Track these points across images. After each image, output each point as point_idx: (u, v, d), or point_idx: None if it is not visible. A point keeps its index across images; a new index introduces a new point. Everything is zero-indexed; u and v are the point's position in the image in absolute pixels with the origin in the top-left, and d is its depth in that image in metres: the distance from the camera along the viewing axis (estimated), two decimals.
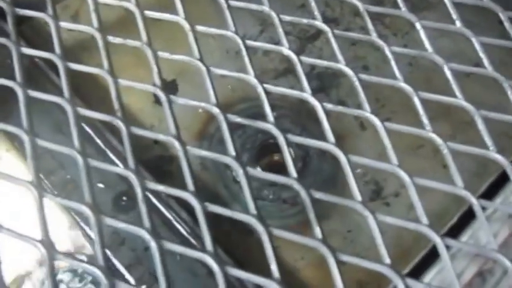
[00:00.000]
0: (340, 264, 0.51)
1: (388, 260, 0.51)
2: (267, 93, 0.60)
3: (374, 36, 0.64)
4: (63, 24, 0.65)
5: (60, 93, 0.61)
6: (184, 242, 0.71)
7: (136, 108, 0.85)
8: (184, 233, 0.73)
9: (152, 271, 0.73)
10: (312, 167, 0.82)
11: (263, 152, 0.84)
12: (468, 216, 0.62)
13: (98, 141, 0.76)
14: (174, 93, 0.86)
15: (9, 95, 0.66)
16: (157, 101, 0.85)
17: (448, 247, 0.51)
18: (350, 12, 0.91)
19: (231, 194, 0.78)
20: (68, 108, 0.59)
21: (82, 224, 0.77)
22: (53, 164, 0.75)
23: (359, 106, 0.59)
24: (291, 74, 0.87)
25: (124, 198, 0.79)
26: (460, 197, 0.54)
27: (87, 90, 0.74)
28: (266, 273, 0.51)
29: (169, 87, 0.86)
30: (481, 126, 0.57)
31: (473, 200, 0.54)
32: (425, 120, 0.58)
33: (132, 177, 0.55)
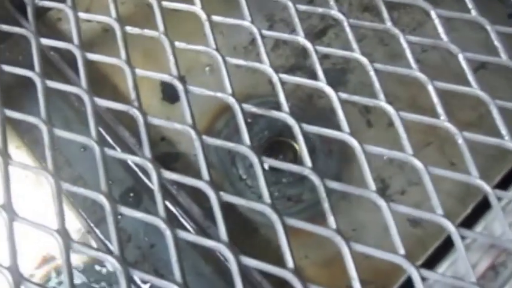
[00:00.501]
0: (354, 254, 0.51)
1: (402, 251, 0.51)
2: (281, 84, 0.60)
3: (389, 25, 0.63)
4: (82, 15, 0.66)
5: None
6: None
7: (144, 105, 0.86)
8: (191, 229, 0.74)
9: (157, 268, 0.74)
10: (319, 165, 0.82)
11: (268, 151, 0.84)
12: (482, 208, 0.62)
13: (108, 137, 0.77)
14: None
15: (23, 89, 0.67)
16: (164, 97, 0.86)
17: (463, 237, 0.51)
18: (359, 8, 0.91)
19: (236, 192, 0.79)
20: (86, 98, 0.60)
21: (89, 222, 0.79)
22: (61, 159, 0.76)
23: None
24: (299, 70, 0.87)
25: (131, 194, 0.80)
26: (475, 187, 0.54)
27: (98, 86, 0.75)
28: None
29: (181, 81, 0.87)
30: (496, 115, 0.56)
31: (489, 190, 0.53)
32: (440, 109, 0.58)
33: (149, 166, 0.56)
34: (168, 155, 0.82)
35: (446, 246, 0.67)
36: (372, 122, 0.83)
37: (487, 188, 0.53)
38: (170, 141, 0.82)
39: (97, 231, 0.78)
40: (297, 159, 0.81)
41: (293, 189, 0.80)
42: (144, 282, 0.73)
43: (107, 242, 0.76)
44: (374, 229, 0.75)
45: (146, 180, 0.78)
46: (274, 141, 0.84)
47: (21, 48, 0.85)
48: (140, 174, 0.79)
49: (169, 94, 0.85)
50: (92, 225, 0.78)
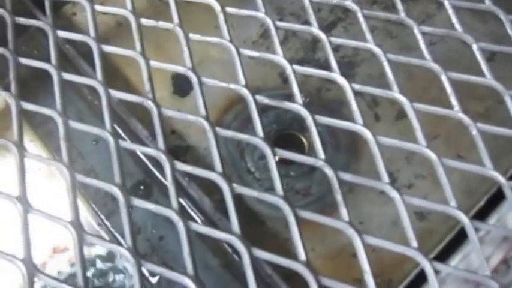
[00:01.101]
0: (366, 247, 0.51)
1: (415, 243, 0.51)
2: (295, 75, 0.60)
3: (403, 16, 0.63)
4: (98, 7, 0.66)
5: None
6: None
7: None
8: (200, 222, 0.74)
9: (166, 261, 0.74)
10: (327, 158, 0.81)
11: (276, 145, 0.83)
12: (493, 200, 0.62)
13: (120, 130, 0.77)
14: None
15: (38, 82, 0.67)
16: (176, 91, 0.86)
17: (476, 230, 0.51)
18: (367, 0, 0.91)
19: (244, 185, 0.79)
20: (101, 90, 0.60)
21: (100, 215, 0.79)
22: (74, 152, 0.77)
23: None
24: (307, 63, 0.87)
25: (141, 187, 0.80)
26: (488, 179, 0.54)
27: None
28: None
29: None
30: (510, 105, 0.56)
31: (503, 181, 0.53)
32: (453, 100, 0.58)
33: (163, 158, 0.56)
34: (178, 148, 0.82)
35: (456, 240, 0.67)
36: (380, 116, 0.83)
37: (501, 179, 0.53)
38: (180, 134, 0.82)
39: (107, 223, 0.78)
40: (304, 153, 0.81)
41: (301, 182, 0.80)
42: (153, 275, 0.73)
43: (117, 235, 0.77)
44: (381, 222, 0.75)
45: (157, 173, 0.78)
46: (282, 135, 0.84)
47: (36, 42, 0.86)
48: (151, 167, 0.79)
49: (180, 87, 0.85)
50: (102, 217, 0.78)
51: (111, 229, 0.78)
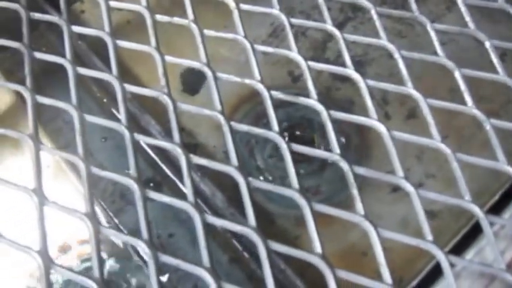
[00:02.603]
0: (382, 240, 0.51)
1: (430, 237, 0.51)
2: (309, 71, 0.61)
3: (417, 14, 0.64)
4: (112, 3, 0.67)
5: None
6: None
7: None
8: None
9: (176, 257, 0.74)
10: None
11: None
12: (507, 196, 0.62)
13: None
14: (203, 81, 0.88)
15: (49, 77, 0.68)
16: (185, 89, 0.87)
17: (491, 224, 0.51)
18: (377, 1, 0.91)
19: None
20: (116, 84, 0.60)
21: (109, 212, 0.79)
22: None
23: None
24: (317, 63, 0.87)
25: (151, 184, 0.80)
26: (500, 176, 0.54)
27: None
28: None
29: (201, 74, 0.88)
30: None
31: None
32: (467, 97, 0.58)
33: (178, 151, 0.56)
34: (188, 146, 0.82)
35: (468, 237, 0.67)
36: (390, 114, 0.83)
37: None
38: (190, 132, 0.82)
39: (116, 221, 0.78)
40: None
41: (311, 180, 0.81)
42: (163, 273, 0.73)
43: (125, 232, 0.77)
44: (392, 221, 0.75)
45: (167, 170, 0.79)
46: (293, 133, 0.84)
47: (45, 40, 0.87)
48: (160, 163, 0.79)
49: (189, 86, 0.86)
50: (111, 215, 0.78)
51: (120, 226, 0.78)
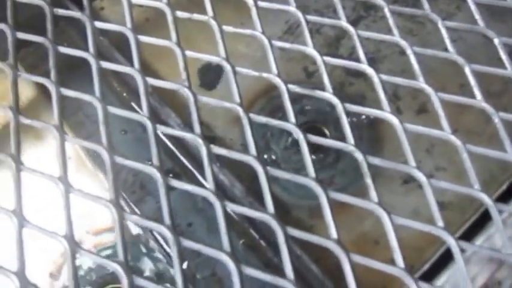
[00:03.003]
0: (395, 226, 0.53)
1: (441, 223, 0.53)
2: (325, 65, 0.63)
3: (428, 11, 0.66)
4: (134, 0, 0.69)
5: None
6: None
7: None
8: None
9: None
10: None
11: None
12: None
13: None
14: (220, 76, 0.90)
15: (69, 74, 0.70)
16: (202, 84, 0.89)
17: (500, 212, 0.53)
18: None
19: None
20: (139, 77, 0.63)
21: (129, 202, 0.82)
22: None
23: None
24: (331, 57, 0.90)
25: (170, 175, 0.82)
26: (509, 164, 0.56)
27: None
28: None
29: (218, 69, 0.91)
30: None
31: None
32: (477, 91, 0.60)
33: (199, 142, 0.59)
34: (205, 138, 0.85)
35: (476, 225, 0.69)
36: (402, 109, 0.85)
37: None
38: (208, 125, 0.85)
39: (137, 211, 0.80)
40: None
41: (325, 173, 0.83)
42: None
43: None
44: (403, 210, 0.77)
45: (186, 162, 0.81)
46: (306, 128, 0.86)
47: (66, 35, 0.89)
48: (179, 155, 0.81)
49: (206, 82, 0.88)
50: (132, 205, 0.81)
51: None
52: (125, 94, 0.86)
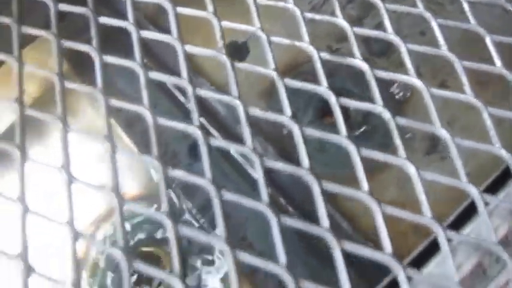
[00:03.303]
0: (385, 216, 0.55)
1: (429, 213, 0.55)
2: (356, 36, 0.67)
3: (422, 10, 0.70)
4: None
5: None
6: None
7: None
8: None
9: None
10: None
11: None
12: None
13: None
14: (246, 55, 0.93)
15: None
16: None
17: (486, 203, 0.56)
18: None
19: None
20: (179, 46, 0.66)
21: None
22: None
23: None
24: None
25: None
26: (498, 157, 0.59)
27: None
28: None
29: (243, 48, 0.94)
30: None
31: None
32: (496, 60, 0.64)
33: (237, 103, 0.62)
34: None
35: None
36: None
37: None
38: None
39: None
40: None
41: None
42: None
43: None
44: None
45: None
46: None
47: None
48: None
49: (234, 56, 0.90)
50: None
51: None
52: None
